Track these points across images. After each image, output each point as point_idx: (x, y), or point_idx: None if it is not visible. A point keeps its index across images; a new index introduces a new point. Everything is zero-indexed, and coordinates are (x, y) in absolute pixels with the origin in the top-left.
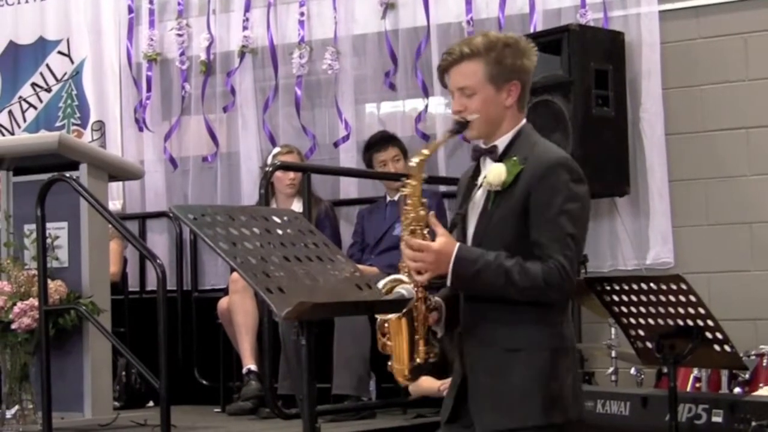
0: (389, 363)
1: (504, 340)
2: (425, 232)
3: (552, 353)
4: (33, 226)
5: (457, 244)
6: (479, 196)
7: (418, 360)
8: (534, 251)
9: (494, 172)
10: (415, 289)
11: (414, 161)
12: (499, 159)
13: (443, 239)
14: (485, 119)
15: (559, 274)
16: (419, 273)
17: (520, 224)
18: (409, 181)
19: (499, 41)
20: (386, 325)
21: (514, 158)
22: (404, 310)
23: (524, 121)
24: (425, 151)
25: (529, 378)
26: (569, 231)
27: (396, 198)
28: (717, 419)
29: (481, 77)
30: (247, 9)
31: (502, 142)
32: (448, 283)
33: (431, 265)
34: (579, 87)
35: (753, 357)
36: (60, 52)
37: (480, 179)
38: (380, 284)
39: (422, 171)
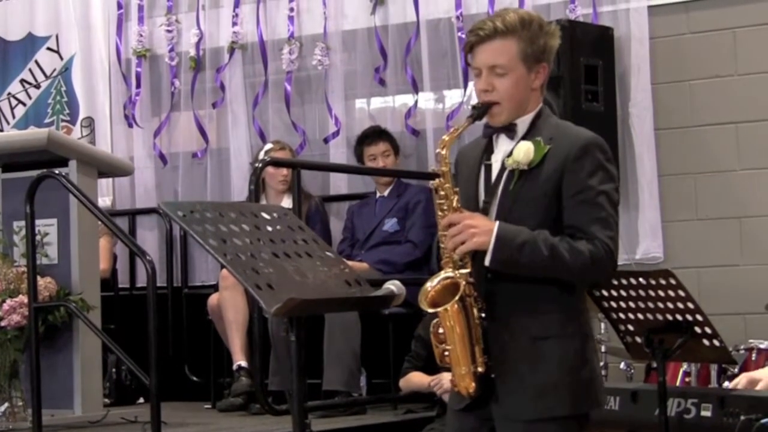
0: (451, 378)
1: (534, 328)
2: None
3: (582, 339)
4: (22, 223)
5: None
6: (496, 175)
7: (479, 369)
8: (569, 233)
9: (522, 151)
10: (465, 286)
11: (439, 150)
12: (521, 139)
13: (479, 214)
14: (515, 102)
15: (605, 253)
16: (462, 244)
17: (549, 206)
18: (438, 169)
19: (533, 19)
20: (441, 330)
21: (538, 138)
22: (456, 298)
23: (542, 103)
24: (446, 137)
25: (561, 366)
26: (609, 212)
27: (386, 194)
28: (706, 413)
29: (515, 55)
30: (237, 5)
31: (523, 121)
32: (488, 258)
33: (474, 232)
34: (568, 82)
35: (742, 351)
36: (49, 48)
37: (498, 157)
38: (434, 281)
39: (448, 158)
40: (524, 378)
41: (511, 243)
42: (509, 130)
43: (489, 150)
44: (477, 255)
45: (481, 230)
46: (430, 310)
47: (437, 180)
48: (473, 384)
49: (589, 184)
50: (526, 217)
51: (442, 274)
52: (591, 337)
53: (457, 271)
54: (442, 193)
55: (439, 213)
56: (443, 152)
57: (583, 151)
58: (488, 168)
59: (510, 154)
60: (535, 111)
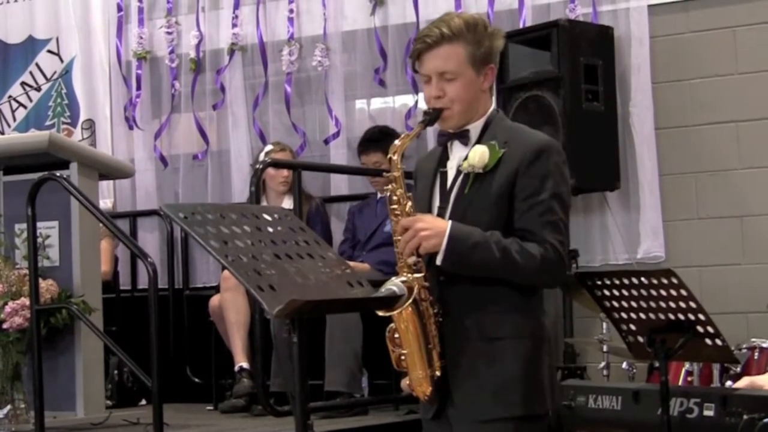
0: (407, 382)
1: (487, 328)
2: None
3: (534, 342)
4: (24, 226)
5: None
6: (452, 180)
7: (437, 373)
8: (519, 236)
9: (478, 155)
10: (419, 289)
11: (390, 155)
12: (475, 144)
13: (430, 215)
14: (466, 105)
15: (555, 257)
16: (415, 253)
17: (500, 209)
18: (390, 174)
19: (478, 22)
20: (396, 335)
21: (493, 142)
22: (406, 304)
23: (493, 106)
24: (398, 143)
25: (513, 368)
26: (560, 215)
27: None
28: (709, 413)
29: (463, 60)
30: (237, 6)
31: (475, 127)
32: (440, 258)
33: (425, 235)
34: (568, 82)
35: (744, 350)
36: (49, 51)
37: (453, 164)
38: (387, 286)
39: (400, 164)
40: (478, 378)
41: (464, 244)
42: (462, 136)
43: (444, 158)
44: (431, 258)
45: (434, 233)
46: (383, 314)
47: (390, 185)
48: (430, 388)
49: (541, 188)
50: (479, 219)
51: (397, 279)
52: (545, 340)
53: (411, 275)
54: (395, 198)
55: (393, 218)
56: (395, 157)
57: (537, 155)
58: (443, 175)
59: (465, 158)
60: (486, 115)
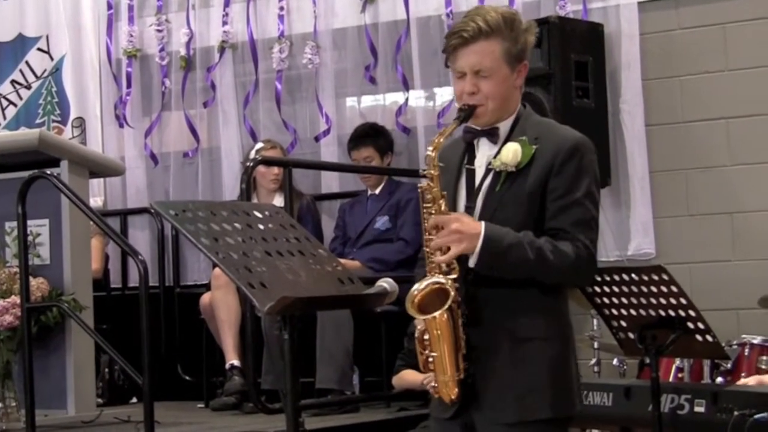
0: (433, 385)
1: (516, 329)
2: None
3: (563, 342)
4: (14, 224)
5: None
6: (480, 178)
7: (461, 376)
8: (551, 234)
9: (511, 153)
10: (454, 292)
11: (428, 152)
12: (504, 141)
13: (462, 213)
14: (500, 103)
15: (588, 256)
16: (448, 250)
17: (531, 206)
18: (427, 171)
19: (515, 17)
20: (425, 337)
21: (524, 138)
22: (442, 310)
23: (520, 102)
24: (435, 140)
25: (541, 370)
26: (593, 214)
27: (377, 192)
28: (699, 409)
29: (499, 56)
30: (227, 4)
31: (504, 125)
32: (474, 260)
33: (459, 236)
34: (559, 79)
35: (735, 347)
36: (39, 49)
37: (482, 162)
38: (422, 286)
39: (437, 161)
40: (505, 380)
41: (498, 246)
42: (491, 134)
43: (470, 154)
44: (461, 257)
45: (468, 235)
46: (420, 317)
47: (425, 183)
48: (456, 390)
49: (575, 187)
50: (509, 218)
51: (431, 279)
52: (572, 340)
53: (446, 277)
54: (429, 196)
55: (425, 216)
56: (433, 154)
57: (571, 154)
58: (470, 173)
59: (496, 155)
60: (515, 113)
